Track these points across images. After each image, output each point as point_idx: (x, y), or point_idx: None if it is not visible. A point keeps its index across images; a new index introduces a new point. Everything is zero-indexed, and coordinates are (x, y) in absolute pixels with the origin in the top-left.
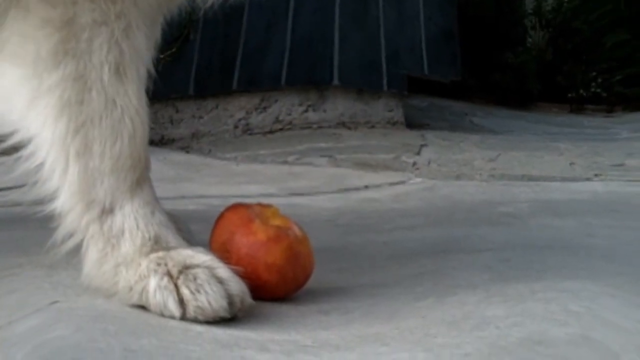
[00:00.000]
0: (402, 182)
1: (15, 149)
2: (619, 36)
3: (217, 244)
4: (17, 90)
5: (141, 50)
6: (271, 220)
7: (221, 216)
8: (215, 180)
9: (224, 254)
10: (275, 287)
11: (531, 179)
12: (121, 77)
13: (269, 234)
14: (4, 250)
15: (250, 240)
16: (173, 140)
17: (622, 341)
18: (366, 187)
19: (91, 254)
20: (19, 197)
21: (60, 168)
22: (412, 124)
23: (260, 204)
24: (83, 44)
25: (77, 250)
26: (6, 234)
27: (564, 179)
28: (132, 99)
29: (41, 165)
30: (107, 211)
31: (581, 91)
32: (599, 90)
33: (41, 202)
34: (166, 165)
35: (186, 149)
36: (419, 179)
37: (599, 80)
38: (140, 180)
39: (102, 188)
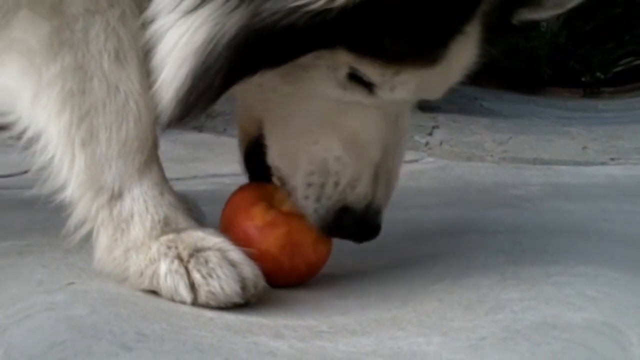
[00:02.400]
0: (416, 161)
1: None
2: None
3: (222, 224)
4: (22, 86)
5: (139, 36)
6: (280, 204)
7: (232, 194)
8: (227, 159)
9: (229, 233)
10: (271, 275)
11: (542, 162)
12: (122, 63)
13: (265, 220)
14: (28, 231)
15: (247, 224)
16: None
17: None
18: None
19: (102, 240)
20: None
21: (67, 159)
22: (423, 106)
23: (272, 185)
24: (79, 34)
25: (90, 235)
26: (31, 215)
27: (576, 163)
28: (134, 83)
29: (52, 158)
30: (116, 196)
31: (598, 74)
32: (624, 69)
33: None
34: (178, 145)
35: (199, 128)
36: (431, 159)
37: (629, 59)
38: (148, 161)
39: (110, 173)
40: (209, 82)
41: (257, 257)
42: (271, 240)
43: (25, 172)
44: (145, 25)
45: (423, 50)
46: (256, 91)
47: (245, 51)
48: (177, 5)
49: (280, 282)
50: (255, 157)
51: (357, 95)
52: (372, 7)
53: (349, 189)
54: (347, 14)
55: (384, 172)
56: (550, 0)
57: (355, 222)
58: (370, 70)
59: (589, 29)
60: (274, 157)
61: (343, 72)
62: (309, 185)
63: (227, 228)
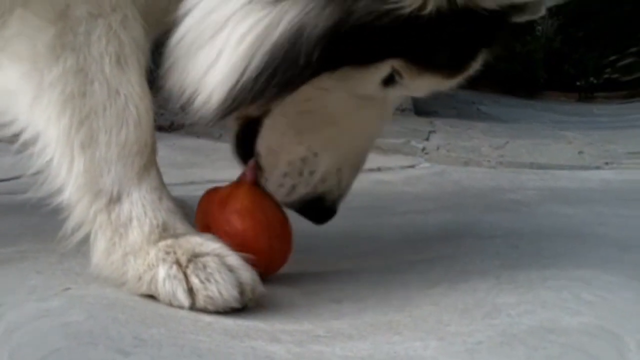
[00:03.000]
0: (413, 166)
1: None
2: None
3: (200, 226)
4: (22, 89)
5: (140, 40)
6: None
7: (198, 204)
8: (224, 165)
9: (208, 230)
10: (254, 234)
11: (539, 167)
12: (122, 67)
13: (230, 187)
14: (23, 235)
15: (216, 199)
16: (183, 126)
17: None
18: (379, 169)
19: (100, 244)
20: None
21: (66, 162)
22: (420, 111)
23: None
24: (81, 37)
25: (87, 239)
26: (26, 219)
27: (572, 167)
28: (135, 87)
29: (50, 161)
30: (114, 200)
31: (592, 79)
32: (615, 75)
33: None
34: (175, 151)
35: (196, 134)
36: (428, 164)
37: (619, 65)
38: (147, 165)
39: (109, 177)
40: (293, 74)
41: (236, 219)
42: (241, 196)
43: (18, 177)
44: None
45: (462, 64)
46: None
47: (336, 45)
48: None
49: (265, 244)
50: (246, 138)
51: (380, 91)
52: (446, 19)
53: (319, 183)
54: (427, 23)
55: (355, 163)
56: (530, 7)
57: (319, 209)
58: (407, 73)
59: (581, 35)
60: (262, 145)
61: (384, 73)
62: (285, 175)
63: (204, 222)
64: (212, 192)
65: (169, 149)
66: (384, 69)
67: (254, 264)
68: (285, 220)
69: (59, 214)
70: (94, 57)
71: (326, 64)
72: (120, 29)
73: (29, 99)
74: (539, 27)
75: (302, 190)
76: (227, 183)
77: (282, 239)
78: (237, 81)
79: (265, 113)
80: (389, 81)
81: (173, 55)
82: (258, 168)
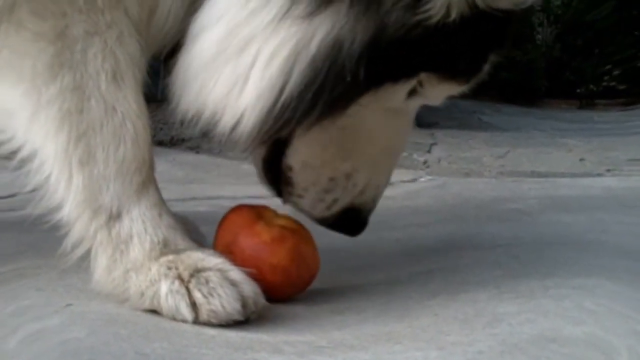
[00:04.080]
0: (414, 180)
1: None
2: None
3: (221, 246)
4: (19, 106)
5: (136, 57)
6: (275, 220)
7: (225, 218)
8: (225, 181)
9: (228, 255)
10: (279, 287)
11: (540, 175)
12: (119, 84)
13: (273, 235)
14: (23, 252)
15: (254, 241)
16: (183, 141)
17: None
18: None
19: (100, 261)
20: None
21: (65, 178)
22: (421, 122)
23: (263, 206)
24: (78, 55)
25: (87, 255)
26: (26, 236)
27: (573, 175)
28: (131, 103)
29: (48, 178)
30: (114, 217)
31: (591, 86)
32: (613, 83)
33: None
34: (175, 166)
35: (196, 149)
36: (429, 177)
37: (615, 73)
38: (146, 182)
39: (108, 194)
40: (342, 91)
41: (267, 271)
42: (282, 253)
43: (14, 195)
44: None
45: (477, 68)
46: None
47: (376, 63)
48: (286, 11)
49: (286, 293)
50: (275, 158)
51: (404, 102)
52: (469, 25)
53: (359, 194)
54: (452, 31)
55: (387, 176)
56: None
57: (354, 221)
58: (429, 82)
59: (579, 43)
60: (295, 160)
61: (413, 85)
62: (326, 192)
63: (229, 249)
64: (248, 224)
65: (169, 164)
66: (412, 81)
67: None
68: (314, 272)
69: (57, 230)
70: (90, 75)
71: (371, 81)
72: (116, 46)
73: (27, 116)
74: (539, 36)
75: (343, 202)
76: (262, 203)
77: (304, 286)
78: (276, 100)
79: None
80: (412, 92)
81: (188, 74)
82: (287, 183)
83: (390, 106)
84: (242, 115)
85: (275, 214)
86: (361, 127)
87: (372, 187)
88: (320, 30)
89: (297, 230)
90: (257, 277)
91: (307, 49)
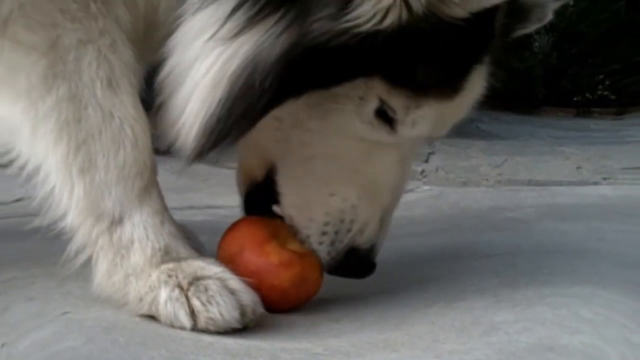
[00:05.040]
0: (411, 190)
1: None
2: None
3: (225, 254)
4: (20, 123)
5: (130, 63)
6: (289, 242)
7: (235, 227)
8: (223, 190)
9: (231, 265)
10: (275, 304)
11: (537, 183)
12: (114, 90)
13: (282, 259)
14: (20, 261)
15: (261, 260)
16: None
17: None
18: None
19: (101, 265)
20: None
21: (67, 188)
22: None
23: (281, 222)
24: (71, 65)
25: (88, 262)
26: (23, 244)
27: (570, 183)
28: (128, 108)
29: (52, 189)
30: (116, 222)
31: (587, 94)
32: (606, 92)
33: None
34: (173, 175)
35: None
36: (426, 187)
37: (607, 82)
38: (148, 186)
39: (110, 199)
40: (250, 104)
41: (266, 289)
42: (285, 277)
43: (7, 203)
44: (160, 61)
45: (448, 80)
46: (275, 129)
47: (293, 70)
48: (212, 34)
49: (280, 308)
50: (258, 202)
51: (381, 133)
52: (413, 32)
53: (358, 233)
54: (391, 37)
55: (387, 213)
56: (534, 14)
57: (359, 261)
58: (397, 102)
59: (575, 52)
60: (288, 206)
61: (373, 106)
62: (324, 233)
63: (233, 260)
64: (256, 241)
65: (167, 173)
66: (368, 99)
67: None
68: (312, 294)
69: (57, 238)
70: (85, 83)
71: (285, 90)
72: (110, 53)
73: (28, 131)
74: (536, 44)
75: (341, 243)
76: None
77: (299, 306)
78: (207, 113)
79: (270, 172)
80: (389, 121)
81: (163, 94)
82: (294, 232)
83: (359, 134)
84: (190, 130)
85: (290, 234)
86: (333, 158)
87: (373, 223)
88: (244, 48)
89: (305, 256)
90: (261, 297)
91: (230, 66)
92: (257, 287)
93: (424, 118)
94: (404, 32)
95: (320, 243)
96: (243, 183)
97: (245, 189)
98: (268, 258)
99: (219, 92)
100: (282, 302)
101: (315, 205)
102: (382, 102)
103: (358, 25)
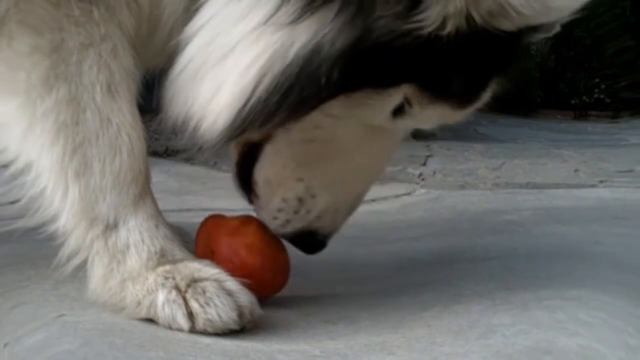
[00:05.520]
0: (408, 194)
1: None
2: (622, 42)
3: (201, 249)
4: (13, 119)
5: (130, 69)
6: (249, 222)
7: (200, 227)
8: (220, 193)
9: (210, 255)
10: (261, 269)
11: (535, 186)
12: (113, 96)
13: (240, 220)
14: (14, 263)
15: (225, 229)
16: (177, 152)
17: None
18: (373, 200)
19: (97, 270)
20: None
21: (60, 190)
22: (418, 134)
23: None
24: (73, 67)
25: (83, 265)
26: (17, 247)
27: (568, 186)
28: (126, 115)
29: (43, 189)
30: (111, 227)
31: (584, 98)
32: (602, 96)
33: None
34: (171, 177)
35: (191, 160)
36: (424, 190)
37: (602, 86)
38: (142, 193)
39: (104, 204)
40: (310, 94)
41: (246, 254)
42: (251, 233)
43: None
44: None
45: (474, 90)
46: None
47: (355, 65)
48: (270, 17)
49: (270, 276)
50: (247, 164)
51: (389, 121)
52: (464, 42)
53: (315, 220)
54: (445, 45)
55: (358, 198)
56: (547, 28)
57: (310, 242)
58: (419, 102)
59: (571, 55)
60: (259, 175)
61: (397, 102)
62: (279, 210)
63: (209, 247)
64: (219, 220)
65: (164, 175)
66: (396, 97)
67: (252, 289)
68: (286, 255)
69: (51, 241)
70: (85, 86)
71: (345, 85)
72: (110, 58)
73: (21, 129)
74: (534, 47)
75: (296, 226)
76: (231, 214)
77: (283, 272)
78: (246, 103)
79: (267, 138)
80: (399, 111)
81: (177, 82)
82: (255, 194)
83: (371, 123)
84: (216, 119)
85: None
86: (328, 142)
87: (331, 211)
88: (301, 38)
89: (255, 219)
90: (238, 263)
91: (283, 57)
92: (239, 258)
93: (427, 117)
94: (456, 41)
95: (275, 218)
96: (238, 142)
97: (239, 148)
98: (229, 223)
99: (267, 81)
100: (266, 264)
101: (278, 187)
102: (406, 99)
103: (422, 28)
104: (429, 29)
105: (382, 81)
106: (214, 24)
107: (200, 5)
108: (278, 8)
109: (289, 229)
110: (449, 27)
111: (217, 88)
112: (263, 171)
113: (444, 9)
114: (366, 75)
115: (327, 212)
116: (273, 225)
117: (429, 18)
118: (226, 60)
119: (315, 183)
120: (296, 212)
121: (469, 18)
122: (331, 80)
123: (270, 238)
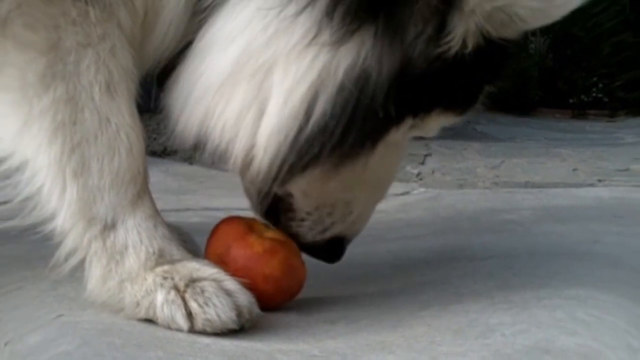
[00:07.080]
0: (407, 193)
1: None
2: (620, 37)
3: (213, 256)
4: (9, 117)
5: (129, 69)
6: (265, 233)
7: (216, 228)
8: (219, 192)
9: (221, 265)
10: (271, 297)
11: (534, 185)
12: (112, 95)
13: (265, 247)
14: (10, 264)
15: (247, 252)
16: (176, 151)
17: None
18: None
19: (95, 271)
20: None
21: (58, 189)
22: None
23: (252, 218)
24: (71, 67)
25: (81, 265)
26: (12, 247)
27: (567, 185)
28: (125, 115)
29: (40, 188)
30: (109, 227)
31: (582, 96)
32: (599, 95)
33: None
34: (169, 177)
35: (189, 160)
36: (422, 189)
37: (600, 85)
38: (140, 193)
39: (102, 204)
40: (360, 127)
41: (260, 281)
42: (274, 265)
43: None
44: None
45: (475, 101)
46: None
47: (403, 97)
48: (313, 37)
49: (275, 303)
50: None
51: (404, 136)
52: (476, 56)
53: (350, 224)
54: (467, 62)
55: (374, 205)
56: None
57: (337, 249)
58: (427, 115)
59: (569, 53)
60: (295, 188)
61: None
62: (328, 215)
63: (222, 259)
64: (241, 237)
65: (163, 175)
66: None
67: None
68: (302, 282)
69: (47, 241)
70: (83, 86)
71: (397, 117)
72: (109, 58)
73: (17, 126)
74: (532, 45)
75: (335, 230)
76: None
77: (292, 298)
78: (300, 130)
79: None
80: (412, 126)
81: (191, 93)
82: (287, 209)
83: (392, 140)
84: (259, 147)
85: (265, 226)
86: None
87: (362, 217)
88: (346, 59)
89: (286, 243)
90: (250, 287)
91: (333, 77)
92: (251, 282)
93: (432, 125)
94: (474, 56)
95: (311, 229)
96: None
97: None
98: (253, 249)
99: (322, 104)
100: (277, 293)
101: (325, 197)
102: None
103: (450, 49)
104: (454, 50)
105: (420, 109)
106: (248, 36)
107: (209, 7)
108: (319, 27)
109: (329, 234)
110: (470, 45)
111: (252, 108)
112: (298, 186)
113: (466, 27)
114: (410, 104)
115: (359, 217)
116: (314, 231)
117: (455, 38)
118: (264, 76)
119: (358, 192)
120: (342, 214)
121: (483, 32)
122: (390, 113)
123: (290, 268)
